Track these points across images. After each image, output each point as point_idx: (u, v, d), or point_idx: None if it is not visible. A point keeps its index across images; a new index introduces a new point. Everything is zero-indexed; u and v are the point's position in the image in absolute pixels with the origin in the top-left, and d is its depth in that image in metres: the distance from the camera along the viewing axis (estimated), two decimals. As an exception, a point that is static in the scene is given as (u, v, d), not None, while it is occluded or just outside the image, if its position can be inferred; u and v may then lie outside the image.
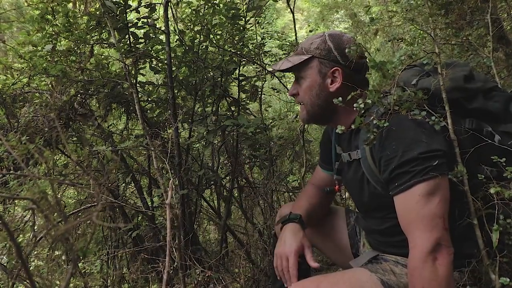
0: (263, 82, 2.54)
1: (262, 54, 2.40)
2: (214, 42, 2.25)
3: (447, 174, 1.04)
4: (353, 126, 1.10)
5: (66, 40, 2.09)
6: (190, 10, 2.23)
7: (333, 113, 1.25)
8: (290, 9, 2.26)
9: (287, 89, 2.65)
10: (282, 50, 2.44)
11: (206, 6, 2.22)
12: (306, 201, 1.49)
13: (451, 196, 1.05)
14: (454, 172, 1.05)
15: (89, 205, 2.13)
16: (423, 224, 0.99)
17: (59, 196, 2.28)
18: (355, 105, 1.10)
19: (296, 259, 1.25)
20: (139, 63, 2.19)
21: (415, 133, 1.05)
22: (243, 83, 2.44)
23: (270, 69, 2.49)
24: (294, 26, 2.35)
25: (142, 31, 2.18)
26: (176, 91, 2.31)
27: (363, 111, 1.10)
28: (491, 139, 1.12)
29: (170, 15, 2.15)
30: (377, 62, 1.10)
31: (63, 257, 2.42)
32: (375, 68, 1.10)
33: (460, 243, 1.09)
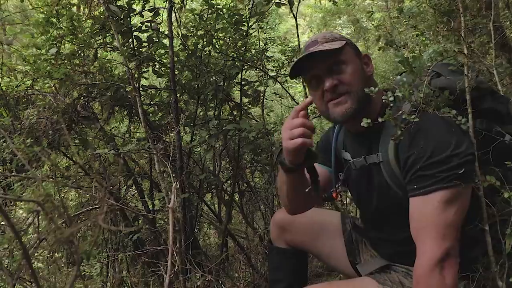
0: (265, 87, 2.55)
1: (265, 60, 2.41)
2: (217, 47, 2.26)
3: (472, 182, 1.01)
4: (380, 119, 1.02)
5: (70, 44, 2.11)
6: (193, 16, 2.24)
7: (370, 101, 1.14)
8: (293, 14, 2.27)
9: (289, 94, 2.66)
10: (285, 56, 2.45)
11: (210, 11, 2.23)
12: None
13: (470, 199, 1.02)
14: (484, 182, 1.02)
15: (91, 207, 2.13)
16: (436, 231, 0.97)
17: (62, 198, 2.28)
18: (383, 97, 1.05)
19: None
20: (142, 67, 2.20)
21: (444, 133, 1.01)
22: (245, 87, 2.45)
23: (273, 74, 2.50)
24: (297, 32, 2.37)
25: (146, 35, 2.20)
26: (178, 95, 2.32)
27: (392, 105, 1.03)
28: (502, 139, 1.11)
29: (173, 19, 2.17)
30: (405, 57, 1.05)
31: (63, 259, 2.42)
32: (403, 64, 1.05)
33: (471, 248, 1.08)
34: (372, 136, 1.16)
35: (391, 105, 1.03)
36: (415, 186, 1.02)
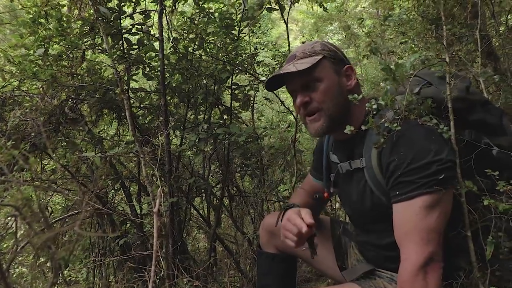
0: (256, 92, 2.55)
1: (255, 64, 2.41)
2: (208, 50, 2.26)
3: (453, 187, 1.03)
4: (363, 127, 1.06)
5: (59, 45, 2.08)
6: (184, 19, 2.24)
7: (348, 114, 1.18)
8: (284, 20, 2.27)
9: (280, 99, 2.67)
10: (275, 61, 2.46)
11: (201, 15, 2.23)
12: (300, 199, 1.47)
13: (452, 207, 1.03)
14: (463, 188, 1.03)
15: (76, 211, 2.09)
16: (419, 237, 0.98)
17: (45, 202, 2.24)
18: (367, 105, 1.08)
19: (307, 210, 1.22)
20: (132, 69, 2.19)
21: (424, 140, 1.03)
22: (236, 91, 2.45)
23: (264, 78, 2.50)
24: (288, 37, 2.37)
25: (136, 37, 2.19)
26: (168, 98, 2.30)
27: (375, 112, 1.07)
28: (489, 151, 1.12)
29: (164, 22, 2.16)
30: (389, 65, 1.07)
31: (48, 264, 2.37)
32: (386, 71, 1.07)
33: (456, 255, 1.09)
34: (357, 142, 1.19)
35: (374, 112, 1.06)
36: (397, 193, 1.03)
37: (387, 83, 1.07)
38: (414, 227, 0.99)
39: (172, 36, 2.27)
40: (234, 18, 2.27)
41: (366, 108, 1.08)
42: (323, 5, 2.44)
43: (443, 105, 1.11)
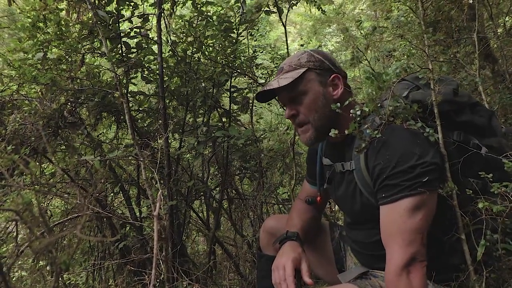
0: (255, 94, 2.56)
1: (254, 67, 2.42)
2: (207, 53, 2.27)
3: (437, 189, 1.05)
4: (346, 132, 1.10)
5: (58, 49, 2.09)
6: (183, 22, 2.25)
7: (336, 121, 1.21)
8: (282, 23, 2.28)
9: (278, 101, 2.67)
10: (274, 63, 2.46)
11: (199, 18, 2.24)
12: (299, 218, 1.48)
13: (442, 209, 1.06)
14: (445, 189, 1.05)
15: (76, 215, 2.09)
16: (402, 238, 1.01)
17: (45, 205, 2.24)
18: (351, 111, 1.11)
19: (293, 268, 1.22)
20: (130, 73, 2.19)
21: (409, 144, 1.06)
22: (234, 94, 2.45)
23: (263, 81, 2.51)
24: (286, 40, 2.38)
25: (135, 40, 2.19)
26: (167, 101, 2.30)
27: (359, 118, 1.11)
28: (478, 151, 1.14)
29: (163, 26, 2.16)
30: (373, 73, 1.11)
31: (48, 268, 2.37)
32: (370, 79, 1.11)
33: (450, 256, 1.11)
34: (346, 145, 1.24)
35: (358, 118, 1.11)
36: (383, 195, 1.06)
37: (371, 89, 1.11)
38: (398, 228, 1.02)
39: (170, 39, 2.28)
40: (232, 21, 2.28)
41: (351, 114, 1.12)
42: (321, 7, 2.46)
43: (428, 108, 1.14)
